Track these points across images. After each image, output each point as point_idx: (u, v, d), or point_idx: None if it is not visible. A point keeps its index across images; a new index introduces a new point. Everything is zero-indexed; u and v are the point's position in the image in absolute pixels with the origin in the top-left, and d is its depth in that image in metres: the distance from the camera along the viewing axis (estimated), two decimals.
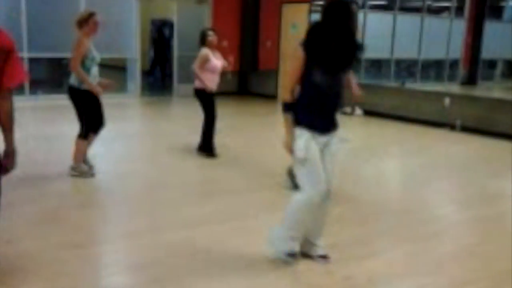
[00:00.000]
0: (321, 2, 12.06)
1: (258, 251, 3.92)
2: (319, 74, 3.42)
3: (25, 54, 11.26)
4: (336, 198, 5.51)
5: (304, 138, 3.52)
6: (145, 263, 3.75)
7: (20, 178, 5.68)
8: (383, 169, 7.08)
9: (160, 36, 17.14)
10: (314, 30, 3.49)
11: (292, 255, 3.75)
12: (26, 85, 11.37)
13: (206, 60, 6.78)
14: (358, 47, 3.45)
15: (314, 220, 3.75)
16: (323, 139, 3.62)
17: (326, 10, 3.43)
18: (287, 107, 3.58)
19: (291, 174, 5.23)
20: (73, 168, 5.85)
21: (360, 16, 13.03)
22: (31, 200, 5.10)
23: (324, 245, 3.88)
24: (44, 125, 8.93)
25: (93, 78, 5.68)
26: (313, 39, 3.42)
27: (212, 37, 6.88)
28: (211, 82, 6.85)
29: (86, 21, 5.61)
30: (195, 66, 6.79)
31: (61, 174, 5.91)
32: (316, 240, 3.85)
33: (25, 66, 11.32)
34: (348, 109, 11.34)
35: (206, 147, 6.99)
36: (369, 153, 7.83)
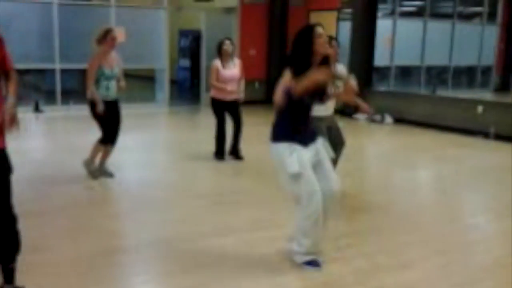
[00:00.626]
0: (349, 10, 11.98)
1: (288, 260, 3.88)
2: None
3: (57, 66, 11.49)
4: (367, 207, 5.57)
5: (294, 153, 3.65)
6: (181, 270, 3.75)
7: (51, 187, 5.80)
8: (414, 178, 6.95)
9: (198, 46, 17.23)
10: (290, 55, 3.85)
11: (315, 263, 3.82)
12: (58, 96, 11.57)
13: (215, 72, 6.96)
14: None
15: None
16: (310, 150, 3.76)
17: (294, 38, 3.87)
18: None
19: None
20: (85, 163, 6.10)
21: (389, 23, 12.92)
22: (62, 209, 5.16)
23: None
24: (75, 135, 9.02)
25: (112, 92, 5.97)
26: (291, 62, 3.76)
27: (226, 46, 7.00)
28: (222, 91, 6.97)
29: (105, 38, 5.82)
30: (210, 79, 7.08)
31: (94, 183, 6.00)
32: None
33: (57, 77, 11.56)
34: (377, 117, 11.20)
35: (219, 151, 7.28)
36: (400, 162, 7.70)
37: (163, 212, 5.17)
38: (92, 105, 5.84)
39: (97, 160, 6.16)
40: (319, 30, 3.74)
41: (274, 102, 3.83)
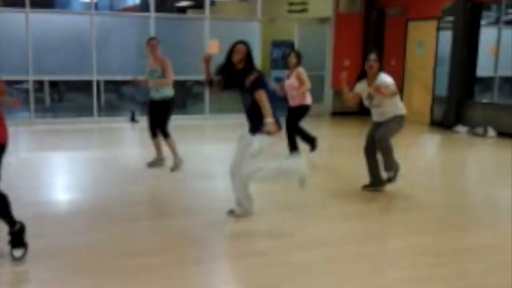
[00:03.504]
0: (450, 18, 11.43)
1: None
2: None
3: None
4: (468, 225, 5.22)
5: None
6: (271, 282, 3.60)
7: (140, 194, 5.85)
8: None
9: None
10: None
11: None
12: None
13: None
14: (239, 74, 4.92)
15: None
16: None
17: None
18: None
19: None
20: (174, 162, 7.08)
21: (494, 31, 12.19)
22: (151, 216, 5.24)
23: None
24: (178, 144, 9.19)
25: (151, 92, 7.04)
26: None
27: (290, 58, 7.61)
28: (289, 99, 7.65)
29: (147, 44, 7.10)
30: (305, 84, 7.54)
31: (188, 191, 6.07)
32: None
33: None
34: (479, 130, 10.55)
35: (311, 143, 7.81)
36: (504, 179, 7.13)
37: (252, 222, 5.05)
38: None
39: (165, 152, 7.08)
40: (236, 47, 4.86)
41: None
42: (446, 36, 11.61)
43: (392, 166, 5.87)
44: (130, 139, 10.40)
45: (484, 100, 11.71)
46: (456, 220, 5.31)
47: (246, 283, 3.82)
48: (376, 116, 5.98)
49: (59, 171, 7.37)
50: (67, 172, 7.24)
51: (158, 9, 11.79)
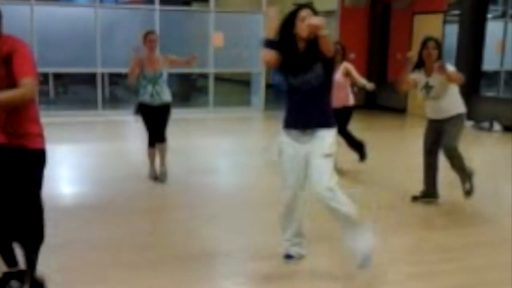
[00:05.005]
0: (457, 12, 11.36)
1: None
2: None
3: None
4: (475, 220, 5.19)
5: (278, 142, 3.78)
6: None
7: (144, 188, 5.84)
8: None
9: None
10: None
11: (287, 256, 3.90)
12: None
13: None
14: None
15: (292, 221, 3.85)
16: (303, 139, 3.67)
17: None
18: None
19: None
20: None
21: (500, 25, 12.11)
22: (154, 209, 5.26)
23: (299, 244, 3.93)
24: (176, 138, 9.17)
25: (150, 96, 6.01)
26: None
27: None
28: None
29: (144, 40, 6.04)
30: None
31: (191, 185, 6.08)
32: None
33: None
34: (485, 125, 10.50)
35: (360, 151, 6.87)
36: (510, 173, 7.10)
37: (259, 215, 5.08)
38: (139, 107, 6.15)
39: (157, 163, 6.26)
40: (302, 13, 3.56)
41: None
42: (453, 30, 11.55)
43: (466, 177, 5.24)
44: (134, 132, 10.38)
45: (490, 94, 11.65)
46: (462, 216, 5.28)
47: (253, 275, 3.82)
48: (432, 112, 5.33)
49: (62, 163, 7.37)
50: (70, 165, 7.25)
51: (163, 1, 11.74)
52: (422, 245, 4.46)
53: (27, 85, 2.78)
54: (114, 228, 4.68)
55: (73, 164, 7.31)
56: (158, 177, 6.13)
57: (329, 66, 3.64)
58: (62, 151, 8.09)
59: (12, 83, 2.79)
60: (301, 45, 3.57)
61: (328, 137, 3.62)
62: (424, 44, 5.22)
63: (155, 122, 6.10)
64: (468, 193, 5.27)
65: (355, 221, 3.55)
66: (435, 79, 5.14)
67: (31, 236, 3.12)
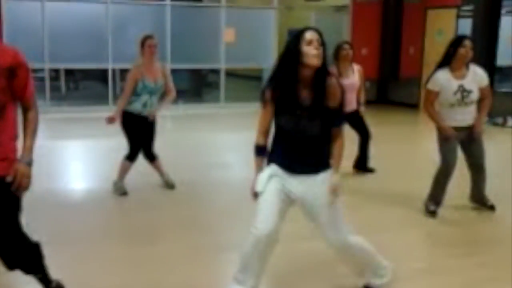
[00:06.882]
0: (470, 7, 11.24)
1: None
2: None
3: (168, 65, 11.73)
4: (486, 216, 5.09)
5: (265, 173, 3.14)
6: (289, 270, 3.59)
7: (156, 183, 5.84)
8: None
9: None
10: None
11: None
12: None
13: None
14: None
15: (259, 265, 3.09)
16: (294, 181, 3.08)
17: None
18: None
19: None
20: (113, 183, 5.57)
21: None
22: (167, 204, 5.29)
23: None
24: (182, 133, 9.17)
25: (142, 106, 5.38)
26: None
27: (346, 50, 6.20)
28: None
29: (142, 45, 5.32)
30: None
31: (199, 180, 6.11)
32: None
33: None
34: (499, 120, 10.40)
35: (361, 165, 6.50)
36: None
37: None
38: (122, 117, 5.37)
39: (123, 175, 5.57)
40: (308, 36, 2.93)
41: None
42: (466, 25, 11.43)
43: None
44: None
45: (504, 90, 11.52)
46: (471, 212, 5.22)
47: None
48: (461, 118, 4.81)
49: (74, 159, 7.39)
50: (82, 160, 7.26)
51: None
52: (430, 240, 4.42)
53: (37, 106, 2.81)
54: (125, 222, 4.69)
55: (84, 160, 7.33)
56: (167, 186, 5.69)
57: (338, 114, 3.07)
58: (73, 147, 8.13)
59: (10, 96, 2.70)
60: (307, 73, 2.94)
61: (329, 177, 3.07)
62: (461, 42, 4.69)
63: (141, 135, 5.49)
64: (492, 207, 5.10)
65: (375, 264, 3.28)
66: (470, 83, 4.71)
67: (24, 262, 2.96)
